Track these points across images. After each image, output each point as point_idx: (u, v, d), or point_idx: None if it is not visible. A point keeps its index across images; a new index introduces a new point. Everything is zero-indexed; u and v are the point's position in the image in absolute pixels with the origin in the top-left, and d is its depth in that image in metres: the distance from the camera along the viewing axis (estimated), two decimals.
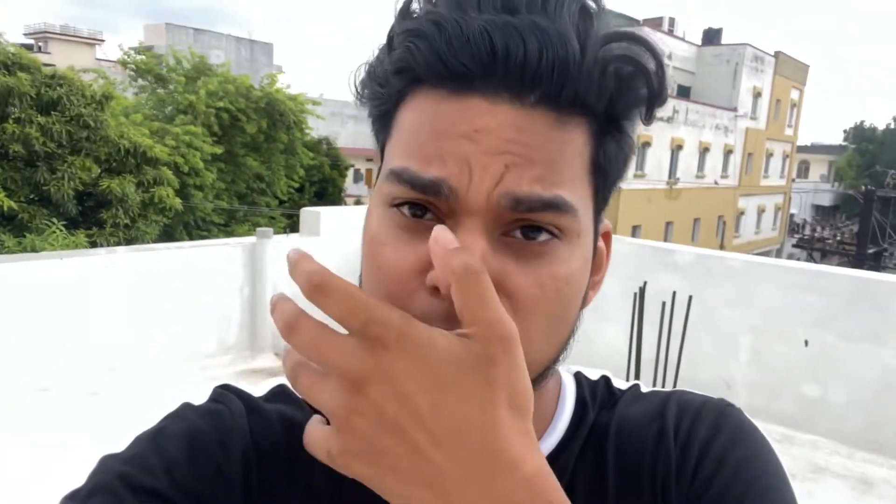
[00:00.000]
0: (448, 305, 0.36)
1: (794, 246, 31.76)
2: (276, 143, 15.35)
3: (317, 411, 0.43)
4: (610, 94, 0.40)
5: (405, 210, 0.40)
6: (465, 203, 0.39)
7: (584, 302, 0.46)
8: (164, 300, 4.18)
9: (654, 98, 0.42)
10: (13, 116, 8.26)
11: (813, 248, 29.39)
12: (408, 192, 0.40)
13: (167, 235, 11.14)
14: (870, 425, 3.55)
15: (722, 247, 24.80)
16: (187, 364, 4.25)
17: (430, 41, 0.39)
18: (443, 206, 0.40)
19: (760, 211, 32.83)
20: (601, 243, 0.48)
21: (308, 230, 5.05)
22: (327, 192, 20.15)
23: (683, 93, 27.63)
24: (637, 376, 3.43)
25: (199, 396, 0.51)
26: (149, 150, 9.61)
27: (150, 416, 0.49)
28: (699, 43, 30.38)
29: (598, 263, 0.48)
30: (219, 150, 13.23)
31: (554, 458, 0.48)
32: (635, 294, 3.33)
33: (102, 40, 43.26)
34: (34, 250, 7.45)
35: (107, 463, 0.42)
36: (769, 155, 32.67)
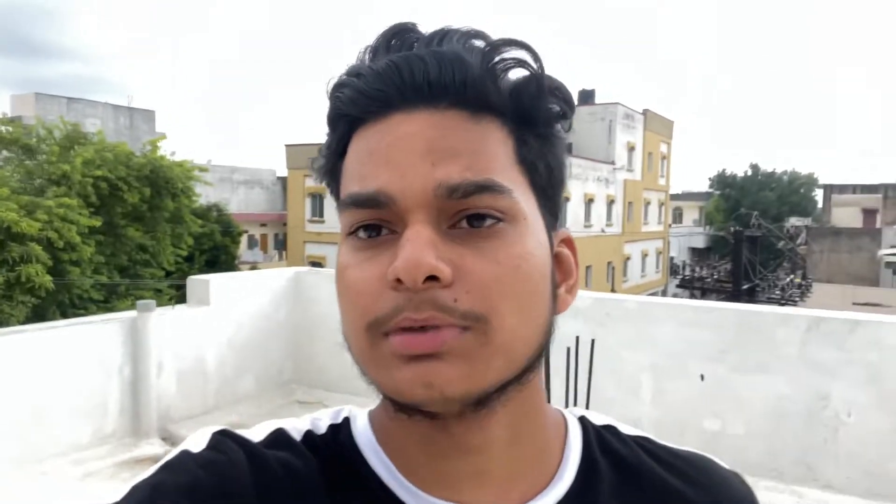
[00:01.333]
0: (411, 294, 0.39)
1: (677, 286, 33.80)
2: (161, 212, 14.62)
3: (315, 454, 0.47)
4: (508, 93, 0.44)
5: (361, 233, 0.43)
6: (404, 204, 0.41)
7: (558, 301, 0.47)
8: (28, 389, 3.72)
9: (541, 88, 0.45)
10: None
11: (694, 287, 31.40)
12: (357, 215, 0.43)
13: (38, 317, 10.17)
14: (768, 454, 3.68)
15: (613, 291, 25.97)
16: (58, 459, 3.77)
17: (351, 86, 0.44)
18: (390, 217, 0.42)
19: (644, 255, 34.86)
20: (565, 249, 0.50)
21: (196, 300, 4.73)
22: (219, 259, 19.40)
23: (567, 149, 29.25)
24: None
25: (75, 491, 0.43)
26: (14, 225, 8.85)
27: None
28: (575, 102, 32.46)
29: (566, 269, 0.49)
30: (97, 222, 12.39)
31: None
32: None
33: None
34: None
35: None
36: (647, 203, 35.02)
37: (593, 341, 3.36)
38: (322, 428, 0.50)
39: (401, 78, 0.42)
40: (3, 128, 14.71)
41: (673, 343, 3.84)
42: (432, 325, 0.39)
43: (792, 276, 30.87)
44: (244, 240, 25.65)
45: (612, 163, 30.52)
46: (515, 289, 0.41)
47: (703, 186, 58.49)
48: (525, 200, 0.44)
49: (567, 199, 26.68)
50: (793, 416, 3.61)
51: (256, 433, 0.49)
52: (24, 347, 3.78)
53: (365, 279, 0.42)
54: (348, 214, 0.44)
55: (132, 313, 4.23)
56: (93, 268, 12.99)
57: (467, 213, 0.41)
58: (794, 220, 44.52)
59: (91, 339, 4.03)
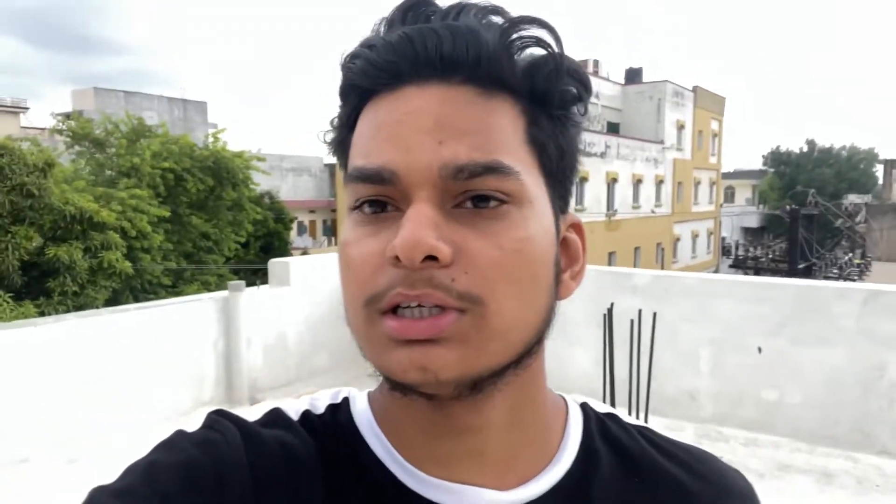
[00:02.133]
0: (409, 272, 0.39)
1: (730, 266, 33.21)
2: (223, 201, 15.26)
3: (312, 434, 0.47)
4: (524, 71, 0.43)
5: (365, 209, 0.43)
6: (408, 182, 0.41)
7: (561, 287, 0.47)
8: (139, 361, 4.16)
9: (558, 68, 0.44)
10: None
11: (747, 267, 30.82)
12: (361, 190, 0.43)
13: (114, 301, 10.86)
14: (825, 422, 3.85)
15: None
16: (164, 423, 4.21)
17: (363, 57, 0.44)
18: (394, 194, 0.42)
19: (694, 236, 34.29)
20: (573, 234, 0.49)
21: (277, 281, 5.12)
22: (273, 245, 19.98)
23: (613, 129, 28.96)
24: (612, 395, 3.63)
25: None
26: (95, 215, 9.45)
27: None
28: (622, 82, 31.99)
29: (572, 254, 0.49)
30: (166, 212, 13.06)
31: (559, 491, 0.48)
32: (604, 315, 3.54)
33: (27, 108, 42.13)
34: None
35: (96, 497, 0.41)
36: (697, 183, 34.36)
37: (655, 315, 3.56)
38: (320, 408, 0.51)
39: (413, 50, 0.42)
40: (72, 122, 15.51)
41: (731, 318, 4.02)
42: (429, 304, 0.39)
43: (850, 255, 29.95)
44: (294, 226, 26.39)
45: (661, 142, 30.06)
46: (515, 273, 0.41)
47: (756, 164, 56.92)
48: (532, 182, 0.43)
49: (614, 181, 26.52)
50: (849, 386, 3.77)
51: (254, 413, 0.50)
52: (132, 324, 4.22)
53: (365, 255, 0.42)
54: (353, 189, 0.43)
55: (224, 293, 4.65)
56: (161, 255, 13.69)
57: (472, 194, 0.41)
58: (852, 198, 42.98)
59: (190, 317, 4.46)
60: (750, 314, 3.99)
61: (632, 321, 3.46)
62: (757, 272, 28.98)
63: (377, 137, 0.42)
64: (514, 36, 0.43)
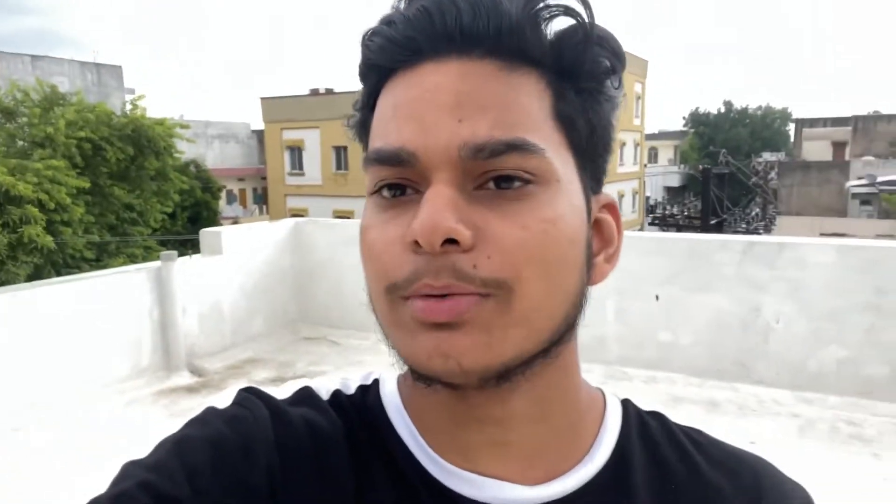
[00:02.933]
0: (430, 258, 0.38)
1: (649, 224, 34.75)
2: (146, 171, 14.87)
3: (340, 414, 0.47)
4: (550, 43, 0.42)
5: (385, 192, 0.42)
6: (427, 162, 0.39)
7: (594, 271, 0.45)
8: (75, 332, 4.26)
9: (588, 38, 0.42)
10: None
11: (666, 225, 32.34)
12: (380, 172, 0.42)
13: (36, 276, 10.56)
14: (712, 358, 4.38)
15: None
16: (105, 389, 4.35)
17: (381, 34, 0.43)
18: (414, 176, 0.40)
19: (620, 196, 35.58)
20: (606, 215, 0.47)
21: (210, 250, 5.25)
22: (201, 216, 19.57)
23: (615, 107, 29.43)
24: None
25: (123, 417, 0.58)
26: (11, 188, 9.16)
27: (79, 440, 0.55)
28: None
29: (606, 236, 0.47)
30: (85, 182, 12.66)
31: (587, 492, 0.46)
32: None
33: None
34: None
35: (129, 470, 0.41)
36: (622, 144, 35.53)
37: None
38: (351, 388, 0.51)
39: (431, 24, 0.41)
40: None
41: (633, 269, 4.47)
42: (451, 293, 0.38)
43: (757, 210, 31.88)
44: (223, 195, 25.82)
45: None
46: (542, 255, 0.39)
47: (678, 125, 59.05)
48: (560, 160, 0.41)
49: None
50: (731, 326, 4.30)
51: (284, 391, 0.50)
52: (65, 296, 4.30)
53: (386, 241, 0.41)
54: (372, 171, 0.42)
55: (157, 263, 4.75)
56: (83, 228, 13.29)
57: (494, 174, 0.40)
58: (766, 156, 45.38)
59: (124, 287, 4.57)
60: (649, 266, 4.44)
61: None
62: (677, 229, 30.53)
63: (395, 117, 0.41)
64: (540, 5, 0.41)
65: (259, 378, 4.79)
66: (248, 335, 5.42)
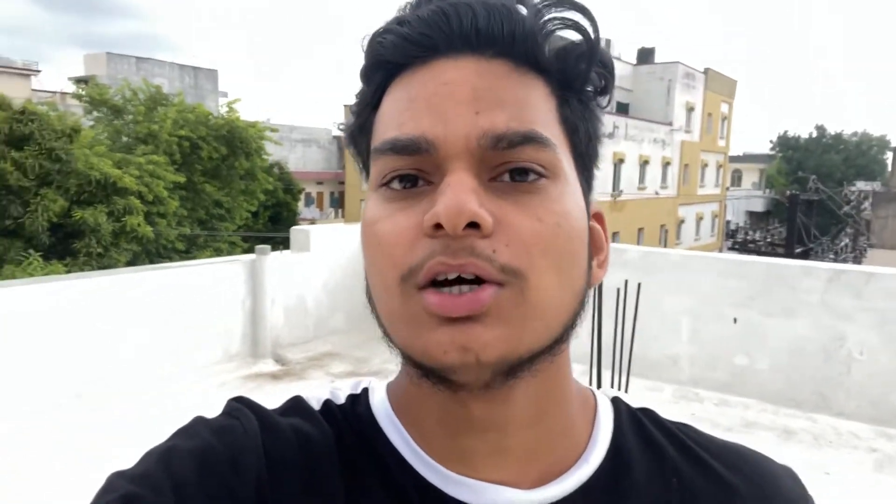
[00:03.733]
0: (449, 241, 0.38)
1: (729, 249, 33.56)
2: (236, 170, 15.68)
3: (332, 424, 0.47)
4: (556, 53, 0.43)
5: (395, 184, 0.42)
6: (446, 151, 0.40)
7: (591, 275, 0.46)
8: (177, 314, 4.63)
9: (592, 53, 0.44)
10: None
11: (747, 251, 31.18)
12: (393, 162, 0.41)
13: (132, 263, 11.34)
14: (788, 386, 4.30)
15: None
16: (199, 371, 4.70)
17: (394, 32, 0.43)
18: (428, 167, 0.41)
19: (699, 218, 34.59)
20: (596, 224, 0.48)
21: (298, 247, 5.57)
22: (282, 216, 20.38)
23: (622, 109, 29.11)
24: (599, 358, 4.07)
25: (214, 398, 0.62)
26: (118, 180, 9.91)
27: (172, 414, 0.58)
28: (634, 62, 32.03)
29: (597, 243, 0.48)
30: (181, 178, 13.51)
31: (587, 492, 0.46)
32: (594, 287, 3.98)
33: (38, 71, 42.30)
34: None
35: (114, 482, 0.41)
36: (704, 166, 34.56)
37: (640, 285, 3.99)
38: (341, 398, 0.51)
39: (448, 24, 0.42)
40: (91, 88, 15.83)
41: (709, 290, 4.45)
42: (469, 276, 0.38)
43: (847, 241, 30.25)
44: (302, 197, 26.77)
45: (670, 124, 30.22)
46: (555, 247, 0.40)
47: (764, 148, 56.78)
48: (565, 157, 0.43)
49: (621, 162, 26.78)
50: (812, 354, 4.21)
51: (276, 402, 0.50)
52: (173, 280, 4.68)
53: (398, 230, 0.40)
54: (383, 161, 0.42)
55: (251, 256, 5.10)
56: (176, 220, 14.17)
57: (510, 167, 0.41)
58: (860, 184, 43.00)
59: (221, 276, 4.92)
60: (726, 287, 4.42)
61: (618, 290, 3.88)
62: (758, 255, 29.39)
63: (411, 108, 0.42)
64: (549, 16, 0.43)
65: (336, 371, 5.04)
66: (328, 329, 5.70)
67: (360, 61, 0.46)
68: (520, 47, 0.42)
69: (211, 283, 4.86)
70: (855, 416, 4.08)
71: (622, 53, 32.22)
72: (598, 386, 4.18)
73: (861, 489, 3.44)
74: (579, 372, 4.98)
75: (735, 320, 4.42)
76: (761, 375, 4.37)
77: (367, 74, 0.46)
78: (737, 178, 50.47)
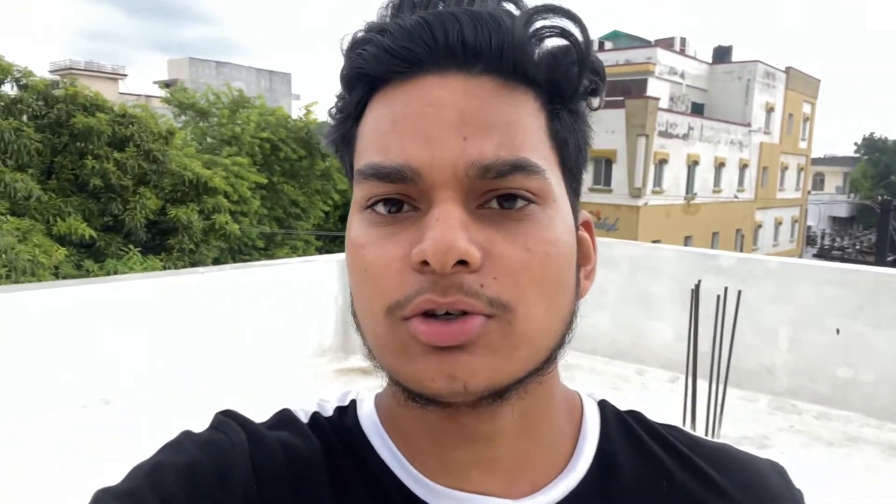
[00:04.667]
0: (437, 278, 0.37)
1: (814, 256, 32.10)
2: (313, 171, 16.19)
3: (320, 437, 0.47)
4: (547, 63, 0.42)
5: (379, 208, 0.41)
6: (431, 181, 0.39)
7: (579, 289, 0.45)
8: (272, 309, 4.86)
9: (583, 60, 0.42)
10: (92, 153, 9.10)
11: (832, 258, 29.75)
12: (377, 187, 0.40)
13: (217, 260, 11.89)
14: (895, 401, 4.13)
15: None
16: (294, 364, 4.91)
17: (375, 42, 0.41)
18: (414, 193, 0.40)
19: (777, 223, 33.22)
20: (584, 233, 0.48)
21: None
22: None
23: (697, 110, 28.30)
24: (695, 366, 4.01)
25: (309, 391, 0.63)
26: (209, 180, 10.39)
27: (271, 403, 0.53)
28: (710, 61, 31.08)
29: (585, 253, 0.47)
30: (263, 178, 14.05)
31: (575, 499, 0.46)
32: (692, 291, 3.92)
33: (125, 75, 44.70)
34: (116, 274, 8.19)
35: (101, 499, 0.41)
36: (784, 168, 33.17)
37: (739, 293, 3.91)
38: (329, 410, 0.50)
39: (432, 37, 0.40)
40: (178, 92, 16.67)
41: (810, 299, 4.32)
42: (457, 311, 0.38)
43: None
44: None
45: (748, 125, 29.16)
46: (543, 277, 0.40)
47: (848, 151, 53.99)
48: (556, 180, 0.42)
49: (695, 164, 26.04)
50: None
51: (263, 416, 0.49)
52: (276, 275, 4.93)
53: (385, 259, 0.39)
54: (367, 187, 0.41)
55: (344, 255, 5.29)
56: (257, 219, 14.76)
57: (498, 193, 0.39)
58: None
59: (317, 273, 5.13)
60: (828, 297, 4.27)
61: (718, 297, 3.82)
62: (843, 262, 28.01)
63: (395, 131, 0.40)
64: (538, 25, 0.41)
65: None
66: None
67: (339, 63, 0.44)
68: (508, 60, 0.40)
69: (307, 280, 5.08)
70: None
71: (697, 52, 31.31)
72: (694, 397, 4.13)
73: None
74: (669, 379, 4.92)
75: (838, 331, 4.27)
76: (866, 388, 4.21)
77: (347, 83, 0.44)
78: (819, 182, 48.17)
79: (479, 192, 0.39)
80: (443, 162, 0.39)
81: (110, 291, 4.23)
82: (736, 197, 28.88)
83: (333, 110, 0.46)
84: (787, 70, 31.83)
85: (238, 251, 14.13)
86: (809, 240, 37.26)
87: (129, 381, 4.06)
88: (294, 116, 16.67)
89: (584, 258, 0.47)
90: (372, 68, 0.41)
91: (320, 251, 15.17)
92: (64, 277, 7.68)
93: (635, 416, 0.53)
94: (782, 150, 32.46)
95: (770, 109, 30.64)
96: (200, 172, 10.33)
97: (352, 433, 0.48)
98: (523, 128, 0.41)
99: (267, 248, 15.18)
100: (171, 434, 0.47)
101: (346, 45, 0.43)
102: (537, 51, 0.42)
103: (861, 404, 4.21)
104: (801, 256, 34.28)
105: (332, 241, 16.30)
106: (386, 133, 0.40)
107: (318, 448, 0.46)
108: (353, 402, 0.51)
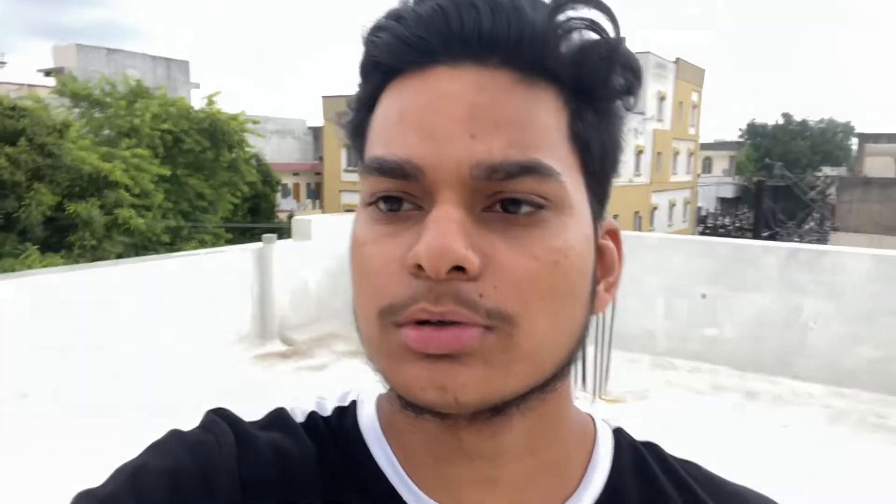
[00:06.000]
0: (432, 283, 0.35)
1: (699, 234, 34.50)
2: (219, 162, 15.86)
3: (315, 439, 0.46)
4: (572, 57, 0.39)
5: (381, 205, 0.39)
6: (434, 179, 0.37)
7: (596, 301, 0.43)
8: (190, 300, 4.97)
9: (612, 56, 0.39)
10: None
11: (716, 235, 32.12)
12: (378, 184, 0.39)
13: (121, 256, 11.53)
14: (754, 353, 4.80)
15: None
16: (213, 351, 5.05)
17: (390, 30, 0.39)
18: (416, 191, 0.38)
19: (671, 205, 35.45)
20: (609, 242, 0.45)
21: (300, 235, 5.93)
22: (260, 207, 20.54)
23: (623, 127, 29.59)
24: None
25: (229, 377, 0.67)
26: (109, 174, 10.10)
27: (195, 387, 0.74)
28: None
29: (608, 263, 0.44)
30: (166, 171, 13.67)
31: None
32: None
33: (4, 62, 41.50)
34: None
35: (81, 502, 0.39)
36: (676, 153, 35.38)
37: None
38: (327, 409, 0.49)
39: (447, 25, 0.37)
40: (66, 83, 15.81)
41: (681, 269, 4.92)
42: (451, 321, 0.36)
43: (811, 225, 31.36)
44: (279, 189, 26.92)
45: (643, 112, 30.90)
46: (551, 288, 0.37)
47: (734, 136, 58.06)
48: (573, 185, 0.39)
49: None
50: (773, 324, 4.72)
51: (258, 413, 0.48)
52: (186, 267, 5.02)
53: (383, 259, 0.38)
54: (370, 181, 0.39)
55: (259, 244, 5.45)
56: (161, 213, 14.34)
57: (505, 196, 0.37)
58: (826, 170, 44.24)
59: (232, 263, 5.28)
60: (695, 266, 4.90)
61: None
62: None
63: (401, 124, 0.38)
64: (564, 16, 0.38)
65: (340, 350, 5.41)
66: (331, 312, 6.07)
67: (337, 53, 0.63)
68: (527, 53, 0.38)
69: (223, 270, 5.21)
70: (812, 378, 4.60)
71: None
72: (584, 361, 4.55)
73: (815, 440, 3.94)
74: None
75: (704, 296, 4.90)
76: (729, 344, 4.86)
77: (364, 72, 0.42)
78: (708, 166, 51.54)
79: (485, 194, 0.37)
80: (447, 160, 0.36)
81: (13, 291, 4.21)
82: (631, 181, 30.62)
83: (352, 101, 0.44)
84: (676, 61, 33.89)
85: (143, 247, 13.72)
86: (700, 220, 39.93)
87: (45, 376, 4.10)
88: (196, 107, 16.23)
89: (605, 270, 0.44)
90: (384, 57, 0.40)
91: (231, 244, 14.93)
92: None
93: (651, 448, 0.50)
94: (674, 136, 34.61)
95: (662, 98, 32.57)
96: (99, 166, 10.04)
97: (350, 437, 0.46)
98: (539, 127, 0.38)
99: (173, 243, 14.76)
100: (87, 430, 0.60)
101: (365, 32, 0.41)
102: (562, 44, 0.39)
103: (725, 358, 4.86)
104: (692, 234, 36.76)
105: (242, 234, 16.05)
106: (392, 125, 0.39)
107: (311, 451, 0.44)
108: (354, 403, 0.49)
